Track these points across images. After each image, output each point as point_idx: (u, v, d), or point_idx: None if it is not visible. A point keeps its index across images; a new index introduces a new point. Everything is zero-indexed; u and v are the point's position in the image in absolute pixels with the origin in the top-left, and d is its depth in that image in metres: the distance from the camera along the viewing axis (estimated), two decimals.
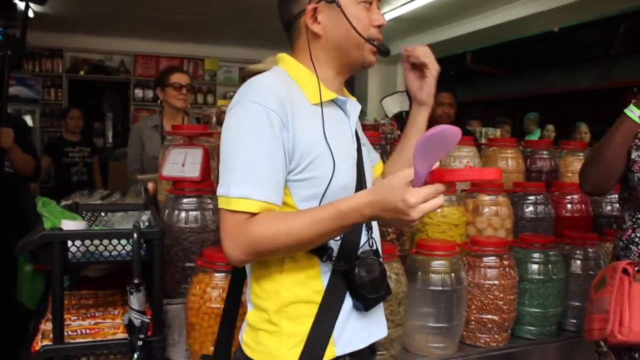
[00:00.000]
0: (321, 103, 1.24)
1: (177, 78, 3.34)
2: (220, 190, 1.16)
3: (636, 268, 1.64)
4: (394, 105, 3.48)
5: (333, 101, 1.30)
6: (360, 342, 1.28)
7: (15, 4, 2.55)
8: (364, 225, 1.28)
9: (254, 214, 1.12)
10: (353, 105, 1.36)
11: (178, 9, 5.94)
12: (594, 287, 1.78)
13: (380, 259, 1.28)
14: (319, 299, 1.22)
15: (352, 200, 1.09)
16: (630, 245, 1.76)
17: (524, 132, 7.65)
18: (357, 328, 1.27)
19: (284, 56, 1.33)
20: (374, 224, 1.35)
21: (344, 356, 1.25)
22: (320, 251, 1.22)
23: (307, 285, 1.23)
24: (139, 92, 8.05)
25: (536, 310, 2.16)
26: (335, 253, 1.23)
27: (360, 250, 1.26)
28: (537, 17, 5.19)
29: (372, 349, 1.36)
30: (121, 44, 7.85)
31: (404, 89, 7.64)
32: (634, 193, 1.78)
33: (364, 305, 1.25)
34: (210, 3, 5.69)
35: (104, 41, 7.73)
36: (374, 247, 1.29)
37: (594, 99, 8.61)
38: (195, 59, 8.31)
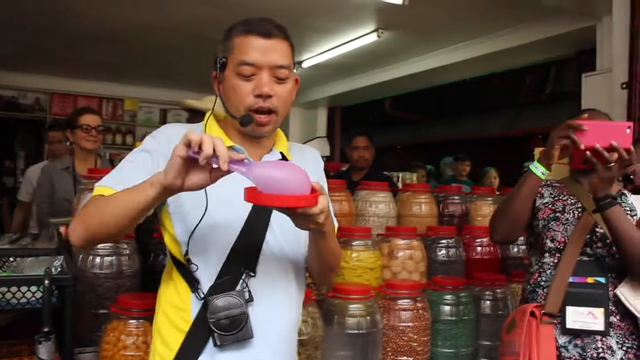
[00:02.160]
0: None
1: (87, 120, 3.26)
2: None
3: (542, 311, 1.74)
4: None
5: (235, 149, 1.28)
6: None
7: None
8: (244, 268, 1.30)
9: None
10: (271, 155, 1.40)
11: (98, 49, 5.85)
12: (506, 329, 1.86)
13: (247, 302, 1.28)
14: (186, 328, 1.29)
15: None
16: (537, 289, 1.87)
17: (441, 175, 7.94)
18: None
19: (208, 113, 1.40)
20: (270, 265, 1.34)
21: None
22: (191, 281, 1.30)
23: (178, 314, 1.31)
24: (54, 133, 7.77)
25: (449, 350, 2.24)
26: (202, 286, 1.29)
27: (233, 287, 1.28)
28: (452, 67, 5.46)
29: None
30: (37, 81, 7.57)
31: (324, 134, 7.85)
32: (538, 239, 1.90)
33: (214, 340, 1.26)
34: (130, 45, 5.64)
35: (18, 77, 7.44)
36: (246, 290, 1.29)
37: (503, 144, 9.11)
38: (115, 99, 8.13)
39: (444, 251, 2.57)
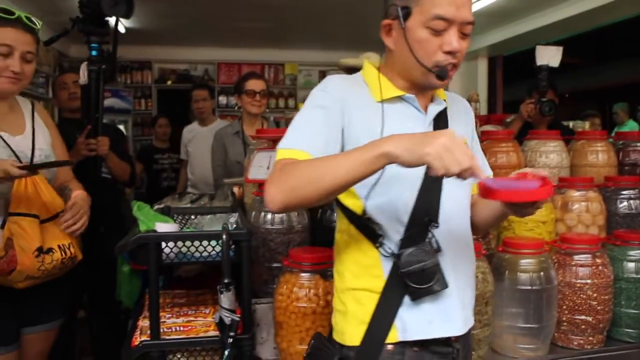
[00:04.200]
0: (382, 102, 1.32)
1: (252, 85, 3.42)
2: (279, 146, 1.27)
3: None
4: (546, 57, 3.29)
5: (402, 99, 1.35)
6: (423, 333, 1.30)
7: (107, 21, 2.70)
8: (427, 222, 1.29)
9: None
10: (435, 104, 1.39)
11: (257, 17, 6.08)
12: None
13: (438, 253, 1.28)
14: (380, 285, 1.29)
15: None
16: None
17: (614, 124, 7.29)
18: (419, 318, 1.29)
19: (365, 64, 1.42)
20: (448, 220, 1.33)
21: (408, 343, 1.29)
22: (372, 237, 1.30)
23: (368, 271, 1.31)
24: (222, 99, 8.30)
25: (634, 311, 2.06)
26: (385, 240, 1.29)
27: (421, 239, 1.28)
28: (619, 3, 4.94)
29: (452, 346, 1.35)
30: (205, 54, 8.13)
31: (484, 86, 7.45)
32: None
33: (409, 294, 1.27)
34: (287, 10, 5.79)
35: (189, 51, 8.04)
36: (434, 240, 1.29)
37: None
38: (276, 65, 8.49)
39: (625, 203, 2.34)
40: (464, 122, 1.49)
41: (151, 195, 4.52)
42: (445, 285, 1.28)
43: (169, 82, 8.27)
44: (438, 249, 1.29)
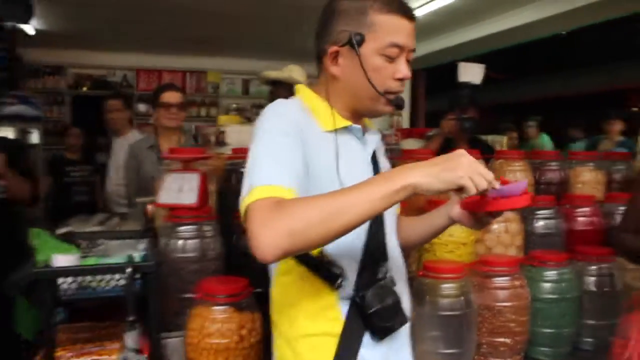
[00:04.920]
0: (335, 130, 1.26)
1: (167, 97, 3.24)
2: (243, 191, 1.10)
3: None
4: (468, 74, 3.30)
5: (347, 130, 1.30)
6: None
7: (3, 26, 2.50)
8: (379, 257, 1.27)
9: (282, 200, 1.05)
10: (371, 134, 1.37)
11: (177, 22, 5.92)
12: (626, 308, 1.71)
13: (394, 288, 1.28)
14: (339, 327, 1.24)
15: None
16: None
17: (528, 138, 7.55)
18: (379, 355, 1.28)
19: (301, 87, 1.35)
20: (392, 252, 1.32)
21: None
22: (331, 278, 1.22)
23: (325, 314, 1.25)
24: (142, 107, 8.01)
25: (550, 330, 2.09)
26: (344, 281, 1.23)
27: (377, 277, 1.26)
28: (538, 24, 5.17)
29: None
30: (123, 59, 7.83)
31: (407, 99, 7.58)
32: None
33: (373, 334, 1.25)
34: (209, 17, 5.66)
35: (107, 56, 7.72)
36: (389, 275, 1.29)
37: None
38: (198, 72, 8.29)
39: (542, 223, 2.38)
40: (382, 149, 1.48)
41: (61, 210, 4.25)
42: (405, 320, 1.28)
43: (85, 89, 7.91)
44: (394, 284, 1.28)
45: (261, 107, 8.23)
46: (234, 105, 8.30)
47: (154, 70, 8.07)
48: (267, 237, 0.99)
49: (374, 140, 1.36)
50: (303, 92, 1.34)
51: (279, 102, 1.27)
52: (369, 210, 1.01)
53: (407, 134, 4.99)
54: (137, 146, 3.37)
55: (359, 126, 1.32)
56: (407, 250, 1.53)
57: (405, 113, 7.45)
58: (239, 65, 8.19)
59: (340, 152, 1.23)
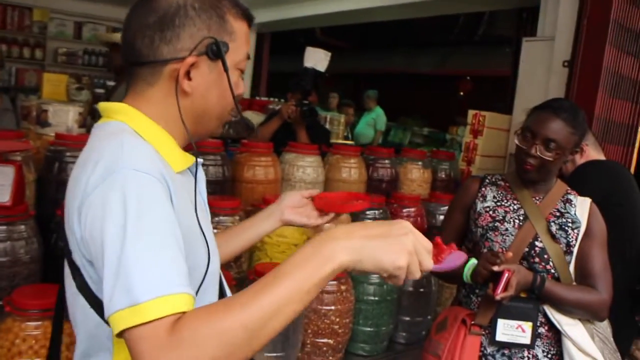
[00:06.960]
0: (196, 172, 1.04)
1: None
2: (117, 303, 0.78)
3: (472, 322, 1.69)
4: (313, 59, 3.22)
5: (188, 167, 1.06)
6: None
7: None
8: None
9: (180, 315, 0.78)
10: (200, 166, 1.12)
11: None
12: (435, 328, 1.81)
13: None
14: None
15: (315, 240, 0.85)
16: (471, 295, 1.82)
17: (364, 109, 7.87)
18: None
19: (126, 109, 1.01)
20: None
21: None
22: None
23: None
24: None
25: (370, 329, 2.21)
26: None
27: None
28: (379, 10, 5.35)
29: None
30: None
31: (251, 60, 7.50)
32: (476, 247, 1.81)
33: None
34: None
35: None
36: None
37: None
38: (22, 7, 7.36)
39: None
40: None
41: None
42: None
43: None
44: None
45: (94, 54, 7.41)
46: (64, 50, 7.55)
47: None
48: None
49: (200, 170, 1.10)
50: (134, 118, 1.00)
51: (134, 147, 0.93)
52: (308, 299, 0.83)
53: (247, 105, 4.90)
54: None
55: (201, 159, 1.10)
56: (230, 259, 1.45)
57: (248, 77, 7.34)
58: (72, 7, 7.44)
59: (190, 197, 1.01)
